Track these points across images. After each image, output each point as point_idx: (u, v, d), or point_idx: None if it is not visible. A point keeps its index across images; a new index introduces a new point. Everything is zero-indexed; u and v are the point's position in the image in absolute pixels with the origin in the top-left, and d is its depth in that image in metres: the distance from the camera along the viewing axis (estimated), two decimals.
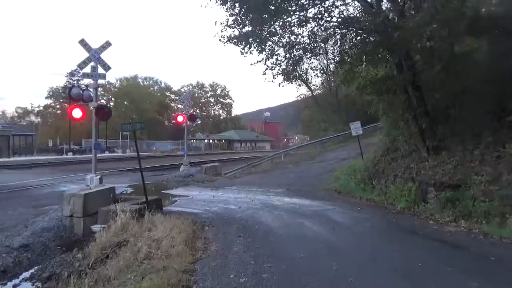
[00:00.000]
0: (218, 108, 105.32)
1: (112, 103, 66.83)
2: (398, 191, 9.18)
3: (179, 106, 24.16)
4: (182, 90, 78.01)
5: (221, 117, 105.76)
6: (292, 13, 9.43)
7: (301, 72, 21.08)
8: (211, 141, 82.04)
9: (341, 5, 10.04)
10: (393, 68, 10.11)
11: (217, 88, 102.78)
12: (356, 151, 16.07)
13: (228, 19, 9.51)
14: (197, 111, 78.06)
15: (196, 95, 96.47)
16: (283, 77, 11.01)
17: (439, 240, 6.23)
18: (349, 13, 10.52)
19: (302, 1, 9.41)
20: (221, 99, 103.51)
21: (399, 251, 5.77)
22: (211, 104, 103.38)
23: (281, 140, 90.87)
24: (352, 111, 29.02)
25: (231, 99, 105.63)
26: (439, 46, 9.06)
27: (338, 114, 32.63)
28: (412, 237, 6.50)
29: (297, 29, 9.84)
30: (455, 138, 8.83)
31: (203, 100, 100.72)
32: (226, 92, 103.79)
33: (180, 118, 20.91)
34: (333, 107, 34.04)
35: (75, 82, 52.84)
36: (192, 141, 72.88)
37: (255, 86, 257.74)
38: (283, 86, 12.07)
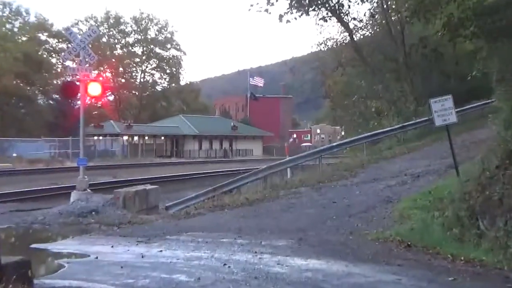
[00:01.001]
0: (152, 69, 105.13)
1: None
2: None
3: (69, 63, 23.97)
4: (75, 29, 77.40)
5: (158, 88, 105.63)
6: None
7: None
8: (136, 138, 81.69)
9: None
10: None
11: (149, 25, 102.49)
12: (444, 158, 16.17)
13: None
14: (107, 73, 77.74)
15: (105, 40, 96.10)
16: (289, 1, 11.01)
17: None
18: None
19: None
20: (157, 50, 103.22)
21: None
22: (138, 60, 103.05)
23: (286, 135, 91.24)
24: (434, 74, 29.26)
25: (178, 49, 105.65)
26: None
27: (405, 81, 32.83)
28: None
29: None
30: None
31: (119, 51, 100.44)
32: (169, 35, 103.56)
33: (70, 89, 20.67)
34: (396, 67, 34.19)
35: None
36: (96, 138, 72.45)
37: (230, 25, 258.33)
38: (288, 21, 12.05)
